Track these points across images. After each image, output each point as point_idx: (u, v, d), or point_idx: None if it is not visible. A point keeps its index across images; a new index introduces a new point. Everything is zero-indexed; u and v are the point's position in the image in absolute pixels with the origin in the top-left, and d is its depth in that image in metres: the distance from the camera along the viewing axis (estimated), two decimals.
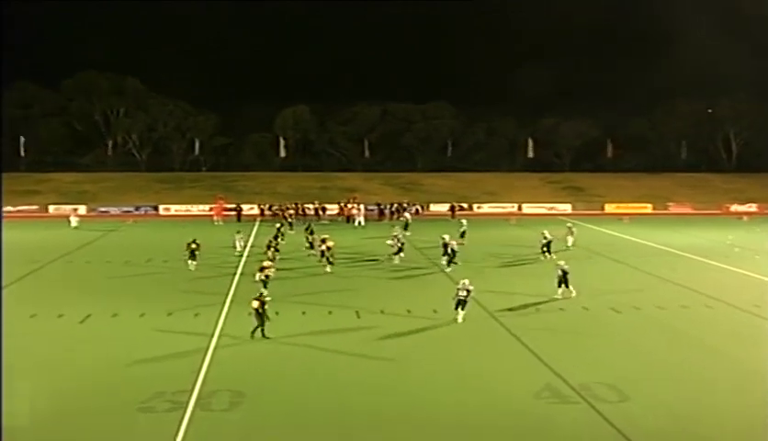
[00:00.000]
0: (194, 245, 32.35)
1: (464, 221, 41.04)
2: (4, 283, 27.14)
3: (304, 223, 48.13)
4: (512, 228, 49.49)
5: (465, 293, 21.92)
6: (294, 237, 40.41)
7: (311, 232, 36.51)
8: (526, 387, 17.10)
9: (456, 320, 21.95)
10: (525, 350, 20.12)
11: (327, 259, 31.23)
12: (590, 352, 20.06)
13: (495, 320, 23.32)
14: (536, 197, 65.01)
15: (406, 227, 43.32)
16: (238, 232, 37.51)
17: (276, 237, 34.78)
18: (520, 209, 61.45)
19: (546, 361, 18.99)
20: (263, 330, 20.41)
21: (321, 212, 52.83)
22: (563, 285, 25.47)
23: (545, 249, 34.84)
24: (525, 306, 25.09)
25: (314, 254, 34.51)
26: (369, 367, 18.56)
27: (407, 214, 47.84)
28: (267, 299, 24.68)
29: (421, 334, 21.49)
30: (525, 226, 50.23)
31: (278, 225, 41.67)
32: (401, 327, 22.24)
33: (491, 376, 17.99)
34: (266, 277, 25.56)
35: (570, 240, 38.80)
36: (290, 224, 42.32)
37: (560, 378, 17.67)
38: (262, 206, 54.11)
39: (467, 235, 39.55)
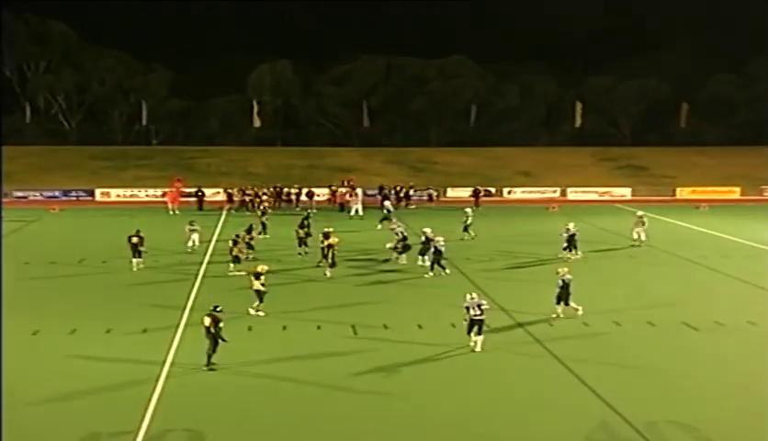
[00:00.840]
0: (135, 239, 32.34)
1: (468, 210, 41.02)
2: None
3: (287, 212, 48.08)
4: (551, 218, 49.18)
5: (478, 312, 21.47)
6: (270, 230, 40.19)
7: (303, 226, 35.93)
8: (573, 426, 16.86)
9: (471, 349, 21.62)
10: (571, 377, 19.87)
11: (330, 260, 31.03)
12: (658, 380, 19.79)
13: (530, 341, 23.11)
14: (586, 179, 64.71)
15: (386, 219, 43.18)
16: (191, 223, 37.19)
17: (249, 230, 34.58)
18: (564, 193, 61.26)
19: (599, 392, 18.74)
20: (210, 355, 20.05)
21: (307, 198, 52.59)
22: (563, 301, 24.92)
23: (567, 245, 34.70)
24: (566, 319, 24.85)
25: (302, 254, 34.45)
26: (367, 403, 18.33)
27: (386, 202, 47.31)
28: (261, 313, 24.50)
29: (432, 358, 21.27)
30: (570, 215, 49.82)
31: (260, 213, 41.60)
32: (409, 348, 22.02)
33: (524, 411, 17.79)
34: (263, 285, 25.16)
35: (641, 234, 38.67)
36: (263, 213, 42.10)
37: (619, 414, 17.44)
38: (230, 190, 53.91)
39: (471, 228, 39.72)
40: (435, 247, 31.33)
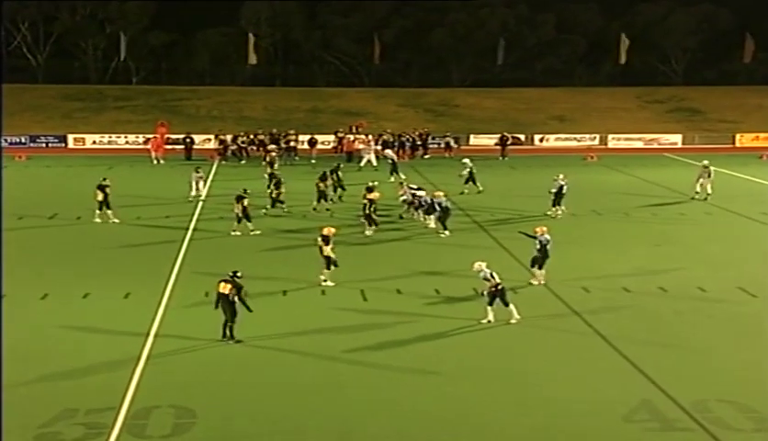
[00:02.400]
0: (100, 194, 33.18)
1: (467, 161, 40.96)
2: None
3: (287, 162, 48.11)
4: (589, 169, 49.07)
5: (491, 281, 21.44)
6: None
7: (324, 178, 36.07)
8: (611, 404, 17.05)
9: (489, 320, 21.71)
10: (609, 351, 20.05)
11: (369, 217, 31.49)
12: (709, 354, 19.93)
13: (566, 311, 23.26)
14: (630, 125, 64.37)
15: (394, 171, 43.14)
16: (197, 171, 37.79)
17: (278, 183, 35.36)
18: (604, 141, 60.98)
19: (641, 367, 18.91)
20: (231, 327, 20.32)
21: (309, 147, 52.38)
22: (537, 264, 25.04)
23: (555, 199, 34.75)
24: (604, 286, 25.05)
25: (317, 209, 34.89)
26: (370, 376, 18.59)
27: (388, 151, 47.09)
28: (330, 283, 24.70)
29: (451, 331, 21.45)
30: (611, 166, 49.81)
31: (267, 164, 41.60)
32: (424, 319, 22.24)
33: (556, 388, 17.95)
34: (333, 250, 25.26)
35: (708, 186, 38.66)
36: (271, 164, 41.85)
37: (663, 392, 17.60)
38: (222, 136, 53.89)
39: (477, 180, 39.86)
40: (440, 204, 31.81)
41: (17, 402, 17.00)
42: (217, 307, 20.37)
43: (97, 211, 33.30)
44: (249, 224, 31.25)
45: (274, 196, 34.67)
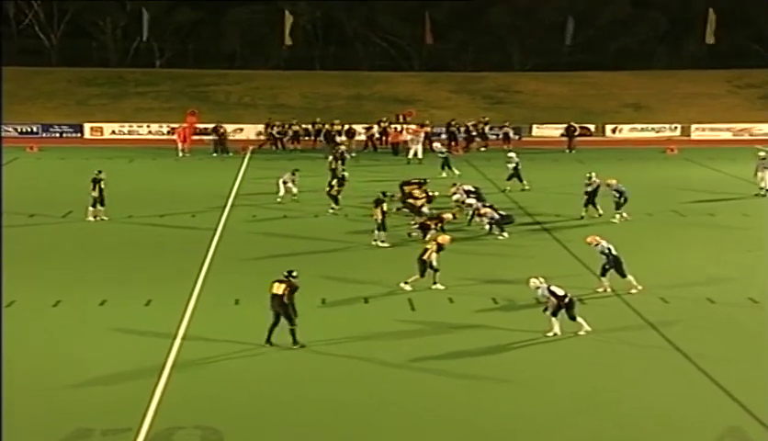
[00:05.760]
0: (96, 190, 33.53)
1: (513, 155, 40.83)
2: None
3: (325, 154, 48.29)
4: (669, 164, 48.68)
5: (554, 299, 21.37)
6: (313, 180, 40.42)
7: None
8: (695, 430, 16.95)
9: (555, 333, 21.61)
10: (692, 369, 19.85)
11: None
12: None
13: (642, 324, 23.05)
14: (717, 113, 63.76)
15: (446, 165, 43.10)
16: (293, 174, 37.58)
17: (341, 179, 35.83)
18: (686, 132, 60.42)
19: (728, 389, 18.70)
20: (293, 331, 20.61)
21: (346, 138, 51.58)
22: (610, 272, 24.84)
23: (588, 200, 34.42)
24: (686, 295, 24.82)
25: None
26: (417, 393, 18.53)
27: (437, 144, 47.08)
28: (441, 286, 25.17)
29: (510, 345, 21.39)
30: (694, 160, 49.30)
31: (338, 158, 41.76)
32: (480, 331, 22.20)
33: (631, 410, 17.84)
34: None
35: (766, 178, 38.65)
36: (342, 159, 41.65)
37: (755, 418, 17.42)
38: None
39: (523, 176, 39.71)
40: (491, 206, 32.63)
41: (29, 419, 17.24)
42: (273, 309, 20.65)
43: (90, 208, 33.55)
44: (382, 233, 30.55)
45: (333, 193, 34.90)
